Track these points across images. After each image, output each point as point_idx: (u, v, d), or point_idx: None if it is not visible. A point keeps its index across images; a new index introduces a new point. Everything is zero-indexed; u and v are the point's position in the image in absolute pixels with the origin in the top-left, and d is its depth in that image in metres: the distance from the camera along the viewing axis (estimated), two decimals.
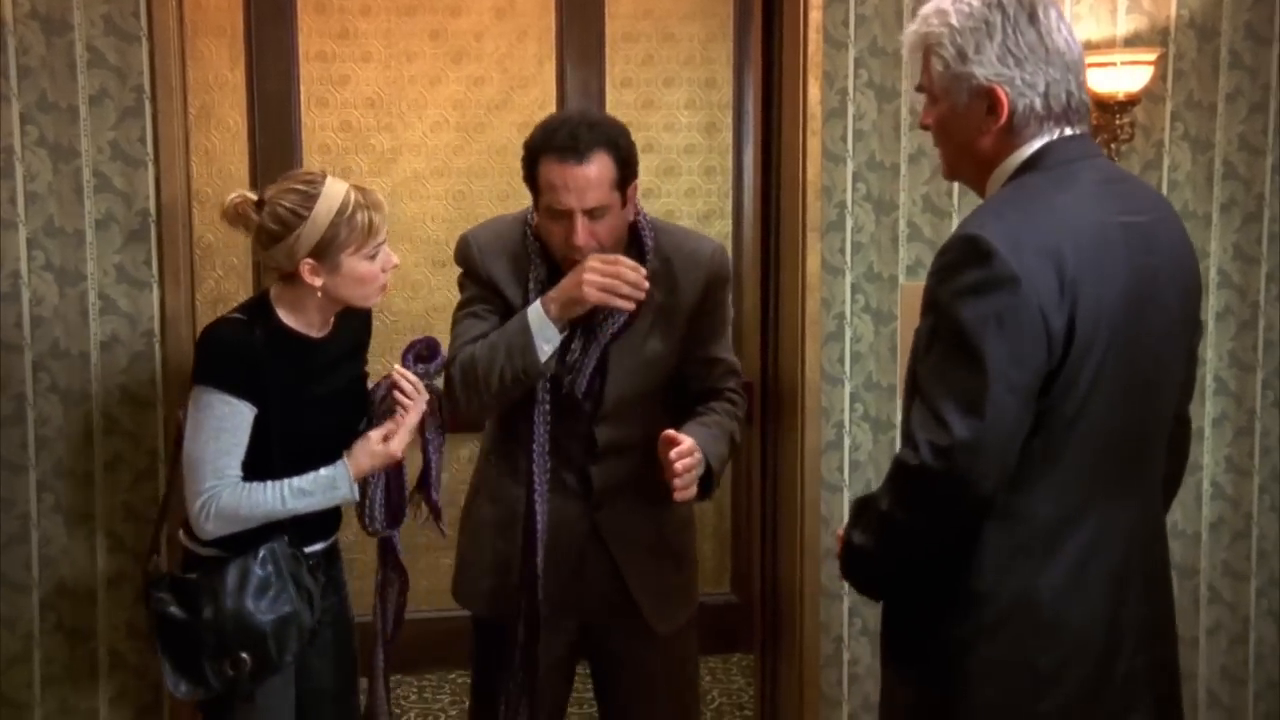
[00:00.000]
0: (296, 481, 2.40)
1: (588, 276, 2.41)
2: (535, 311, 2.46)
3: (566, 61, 4.35)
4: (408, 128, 4.35)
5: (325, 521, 2.56)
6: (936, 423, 1.76)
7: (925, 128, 1.99)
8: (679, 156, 4.50)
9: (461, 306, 2.64)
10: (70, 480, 2.96)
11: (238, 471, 2.38)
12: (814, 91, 3.15)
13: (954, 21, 1.87)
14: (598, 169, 2.42)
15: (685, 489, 2.40)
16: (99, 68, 2.89)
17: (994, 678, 1.86)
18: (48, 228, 2.90)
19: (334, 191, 2.37)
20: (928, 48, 1.92)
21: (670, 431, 2.40)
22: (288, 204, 2.36)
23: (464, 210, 4.35)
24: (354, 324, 2.59)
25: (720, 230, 4.50)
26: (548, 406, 2.56)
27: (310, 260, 2.37)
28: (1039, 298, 1.74)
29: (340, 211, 2.35)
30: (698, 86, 4.50)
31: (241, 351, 2.37)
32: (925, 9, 1.93)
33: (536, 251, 2.57)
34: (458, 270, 2.66)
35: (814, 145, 3.16)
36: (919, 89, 1.99)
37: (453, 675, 4.41)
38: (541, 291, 2.51)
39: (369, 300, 2.48)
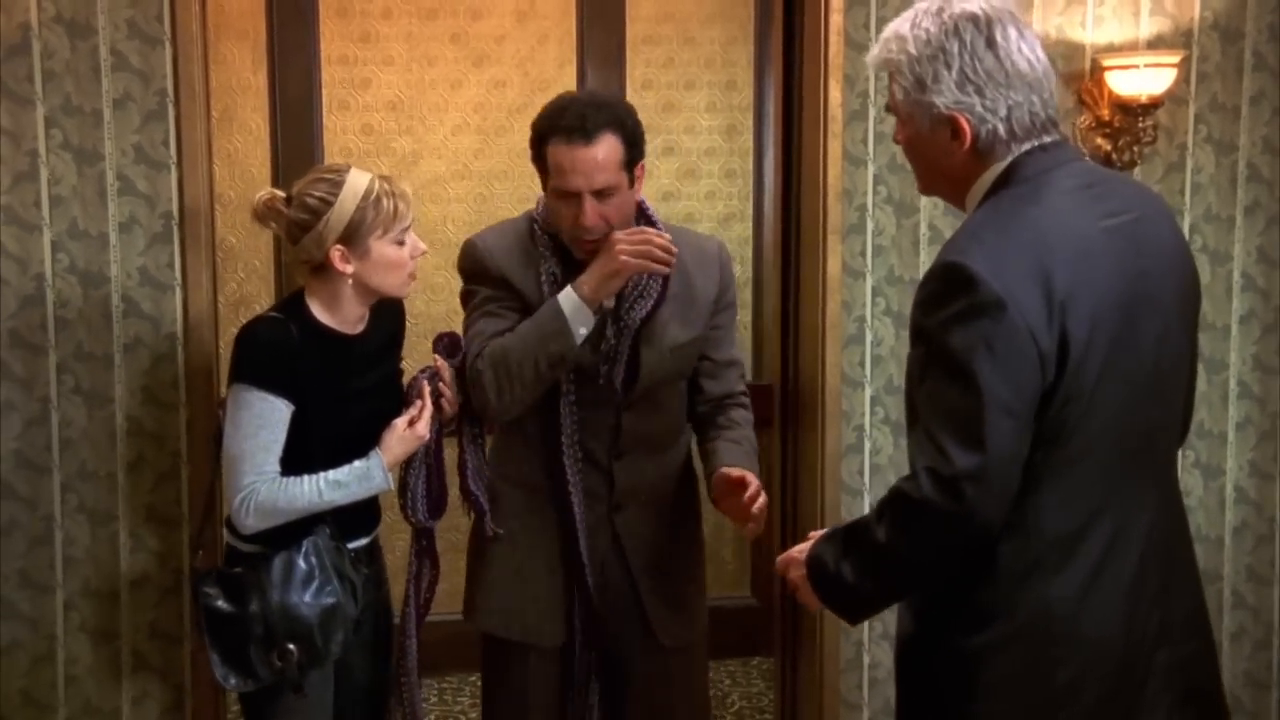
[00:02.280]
0: (332, 474, 2.44)
1: (620, 248, 2.42)
2: (568, 296, 2.45)
3: (587, 64, 4.35)
4: (429, 131, 4.36)
5: (365, 518, 2.60)
6: (937, 452, 1.76)
7: (898, 143, 1.99)
8: (699, 159, 4.50)
9: (474, 309, 2.58)
10: (93, 481, 2.98)
11: (276, 467, 2.42)
12: (835, 94, 3.15)
13: (912, 50, 1.86)
14: (605, 150, 2.41)
15: (759, 527, 2.48)
16: (123, 71, 2.91)
17: (1010, 691, 1.85)
18: (72, 230, 2.92)
19: (359, 178, 2.44)
20: (889, 73, 1.91)
21: (726, 472, 2.45)
22: (316, 193, 2.42)
23: (485, 213, 4.36)
24: (388, 320, 2.62)
25: (740, 233, 4.51)
26: (574, 397, 2.55)
27: (340, 247, 2.41)
28: (1026, 319, 1.73)
29: (366, 196, 2.41)
30: (718, 89, 4.50)
31: (278, 349, 2.41)
32: (886, 32, 1.92)
33: (546, 245, 2.54)
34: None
35: (835, 148, 3.16)
36: (887, 109, 1.99)
37: (473, 678, 4.40)
38: (555, 285, 2.50)
39: (400, 289, 2.51)
